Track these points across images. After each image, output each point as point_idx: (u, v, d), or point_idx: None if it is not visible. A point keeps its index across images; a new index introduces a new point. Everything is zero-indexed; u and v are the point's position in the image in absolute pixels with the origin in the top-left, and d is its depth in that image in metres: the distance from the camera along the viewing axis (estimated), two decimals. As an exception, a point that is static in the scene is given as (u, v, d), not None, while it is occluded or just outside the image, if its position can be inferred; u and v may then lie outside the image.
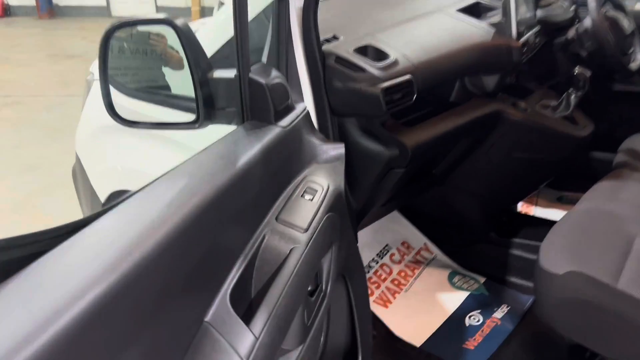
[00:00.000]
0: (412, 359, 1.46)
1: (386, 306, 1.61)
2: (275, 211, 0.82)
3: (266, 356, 0.65)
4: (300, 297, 0.77)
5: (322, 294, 0.87)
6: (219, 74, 0.93)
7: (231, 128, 0.90)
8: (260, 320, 0.67)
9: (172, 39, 0.94)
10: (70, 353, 0.44)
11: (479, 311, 1.59)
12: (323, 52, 1.12)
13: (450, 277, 1.72)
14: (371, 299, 1.62)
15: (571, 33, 1.67)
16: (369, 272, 1.71)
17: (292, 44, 1.06)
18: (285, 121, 0.92)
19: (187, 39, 0.91)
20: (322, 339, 0.99)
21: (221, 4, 2.59)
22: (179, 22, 0.91)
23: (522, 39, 1.46)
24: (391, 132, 1.22)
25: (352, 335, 1.12)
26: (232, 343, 0.62)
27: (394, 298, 1.64)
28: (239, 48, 0.86)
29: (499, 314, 1.58)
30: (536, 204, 2.12)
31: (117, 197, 0.66)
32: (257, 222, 0.79)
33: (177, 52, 0.99)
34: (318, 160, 0.99)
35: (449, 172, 1.62)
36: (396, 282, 1.70)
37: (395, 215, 1.83)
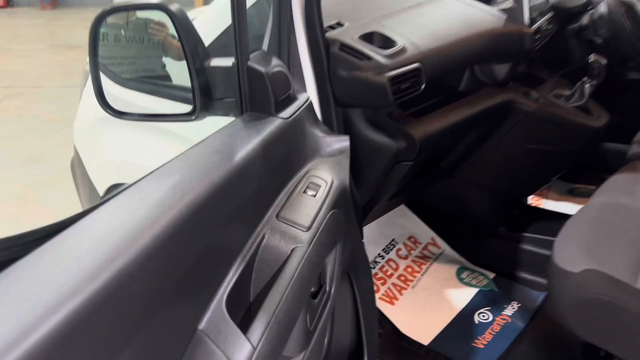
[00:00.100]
0: (420, 358, 1.42)
1: (392, 303, 1.57)
2: (276, 208, 0.78)
3: None
4: (302, 300, 0.73)
5: (326, 296, 0.83)
6: (216, 62, 0.88)
7: (230, 120, 0.86)
8: (258, 327, 0.62)
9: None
10: None
11: (488, 308, 1.54)
12: (327, 39, 1.07)
13: (459, 273, 1.67)
14: (377, 295, 1.57)
15: (585, 19, 1.61)
16: (374, 267, 1.66)
17: (294, 31, 1.01)
18: (287, 112, 0.87)
19: (182, 25, 0.86)
20: (326, 340, 0.94)
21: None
22: (174, 7, 0.86)
23: (535, 26, 1.42)
24: (398, 124, 1.18)
25: (357, 335, 1.07)
26: (228, 353, 0.57)
27: (401, 295, 1.60)
28: (237, 34, 0.81)
29: (509, 311, 1.53)
30: (546, 197, 2.06)
31: (115, 191, 0.62)
32: (256, 220, 0.74)
33: (180, 41, 0.93)
34: (321, 153, 0.94)
35: (458, 165, 1.57)
36: (403, 278, 1.65)
37: (401, 208, 1.78)
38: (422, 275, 1.67)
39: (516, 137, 1.50)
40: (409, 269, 1.68)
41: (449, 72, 1.28)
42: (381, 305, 1.55)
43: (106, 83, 1.13)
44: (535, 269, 1.63)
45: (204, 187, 0.63)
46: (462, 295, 1.59)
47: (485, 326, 1.49)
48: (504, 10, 1.38)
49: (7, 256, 0.47)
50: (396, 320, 1.50)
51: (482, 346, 1.42)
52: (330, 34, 1.11)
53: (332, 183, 0.88)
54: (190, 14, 1.29)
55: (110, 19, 1.18)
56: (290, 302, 0.68)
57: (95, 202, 0.60)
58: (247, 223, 0.72)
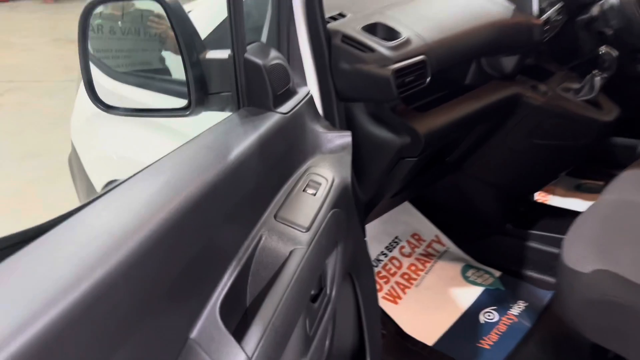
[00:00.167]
0: (424, 358, 1.38)
1: (396, 302, 1.53)
2: (274, 208, 0.74)
3: None
4: (301, 305, 0.69)
5: (326, 299, 0.79)
6: (212, 55, 0.84)
7: (227, 115, 0.82)
8: (254, 336, 0.58)
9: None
10: None
11: (494, 307, 1.51)
12: (328, 30, 1.03)
13: (464, 271, 1.64)
14: (380, 294, 1.54)
15: (595, 10, 1.57)
16: (377, 266, 1.62)
17: (294, 22, 0.97)
18: (286, 107, 0.83)
19: (176, 15, 0.82)
20: (327, 343, 0.91)
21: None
22: (168, -3, 0.82)
23: (544, 16, 1.37)
24: (402, 118, 1.14)
25: (359, 336, 1.04)
26: None
27: (404, 294, 1.56)
28: (233, 25, 0.77)
29: (515, 310, 1.50)
30: (553, 193, 2.02)
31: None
32: (253, 221, 0.70)
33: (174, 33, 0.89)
34: (322, 150, 0.90)
35: (464, 160, 1.53)
36: (406, 277, 1.61)
37: (405, 205, 1.75)
38: (426, 273, 1.63)
39: (523, 131, 1.47)
40: (413, 267, 1.65)
41: (455, 65, 1.24)
42: (384, 304, 1.51)
43: (100, 77, 1.10)
44: (542, 267, 1.60)
45: (197, 187, 0.59)
46: (467, 294, 1.55)
47: (491, 326, 1.45)
48: (512, 1, 1.33)
49: None
50: (399, 320, 1.47)
51: (487, 347, 1.39)
52: (332, 25, 1.07)
53: (333, 181, 0.84)
54: (187, 6, 1.25)
55: (106, 11, 1.15)
56: (288, 308, 0.64)
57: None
58: (243, 224, 0.68)
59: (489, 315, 1.49)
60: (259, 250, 0.69)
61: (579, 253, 1.07)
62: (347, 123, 1.09)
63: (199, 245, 0.59)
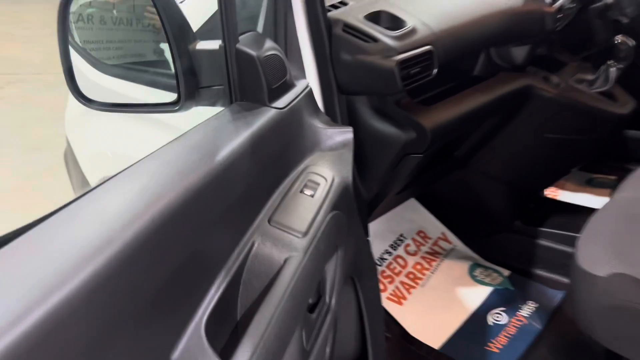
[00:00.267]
0: (430, 362, 1.33)
1: (401, 303, 1.48)
2: (268, 212, 0.69)
3: None
4: (297, 318, 0.64)
5: (325, 308, 0.74)
6: (202, 45, 0.79)
7: (219, 110, 0.76)
8: (243, 355, 0.53)
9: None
10: None
11: (503, 309, 1.45)
12: (329, 19, 0.98)
13: (471, 270, 1.58)
14: (384, 295, 1.48)
15: (610, -3, 1.49)
16: (381, 265, 1.57)
17: (292, 10, 0.91)
18: (282, 101, 0.78)
19: (164, 2, 0.76)
20: (327, 352, 0.85)
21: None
22: (154, -17, 0.76)
23: (557, 4, 1.32)
24: (407, 112, 1.08)
25: (362, 342, 0.99)
26: None
27: (409, 294, 1.51)
28: (223, 13, 0.71)
29: (525, 311, 1.44)
30: (564, 188, 1.96)
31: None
32: (244, 227, 0.65)
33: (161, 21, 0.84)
34: (321, 147, 0.85)
35: (472, 155, 1.47)
36: (412, 276, 1.56)
37: (410, 202, 1.69)
38: (432, 272, 1.58)
39: (534, 125, 1.41)
40: (418, 266, 1.59)
41: (463, 56, 1.18)
42: (388, 305, 1.46)
43: (88, 70, 1.04)
44: (553, 265, 1.54)
45: (179, 192, 0.54)
46: (475, 295, 1.50)
47: (499, 328, 1.40)
48: None
49: None
50: (404, 322, 1.41)
51: (496, 350, 1.33)
52: (333, 13, 1.02)
53: (332, 180, 0.79)
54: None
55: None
56: (282, 322, 0.59)
57: None
58: (233, 230, 0.63)
59: (497, 317, 1.43)
60: (250, 259, 0.63)
61: (595, 255, 1.01)
62: (349, 118, 1.04)
63: (181, 256, 0.53)
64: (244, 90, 0.76)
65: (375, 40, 0.97)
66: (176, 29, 0.76)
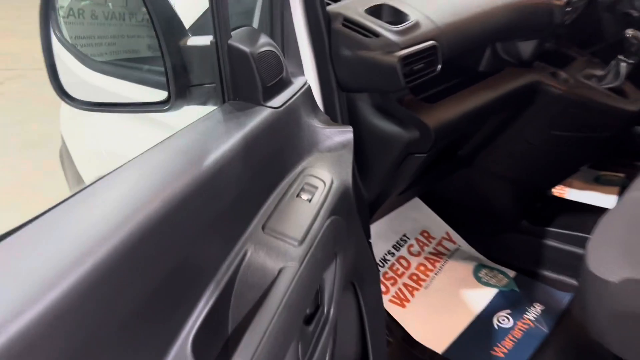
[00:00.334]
0: (433, 367, 1.29)
1: (403, 305, 1.44)
2: (262, 218, 0.65)
3: None
4: (292, 332, 0.60)
5: (323, 319, 0.70)
6: (193, 41, 0.74)
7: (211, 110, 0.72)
8: None
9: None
10: None
11: (508, 311, 1.41)
12: (328, 13, 0.95)
13: (476, 271, 1.54)
14: (386, 297, 1.45)
15: (621, -10, 1.45)
16: (384, 266, 1.53)
17: (289, 3, 0.87)
18: (278, 100, 0.74)
19: (152, -5, 0.72)
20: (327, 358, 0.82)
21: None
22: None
23: None
24: (410, 110, 1.05)
25: (363, 349, 0.95)
26: None
27: (413, 296, 1.47)
28: (214, 6, 0.67)
29: (531, 314, 1.40)
30: (570, 186, 1.91)
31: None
32: (236, 235, 0.61)
33: (148, 15, 0.79)
34: (320, 148, 0.81)
35: (477, 153, 1.43)
36: (415, 278, 1.52)
37: (413, 201, 1.65)
38: (435, 274, 1.54)
39: (542, 123, 1.37)
40: (422, 268, 1.55)
41: (468, 51, 1.13)
42: (391, 308, 1.42)
43: (77, 68, 1.00)
44: (560, 267, 1.50)
45: (163, 200, 0.50)
46: (480, 297, 1.46)
47: (505, 332, 1.36)
48: None
49: None
50: (407, 325, 1.38)
51: (502, 355, 1.30)
52: (332, 7, 0.98)
53: (331, 184, 0.75)
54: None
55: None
56: (276, 337, 0.55)
57: None
58: (223, 239, 0.59)
59: (503, 320, 1.39)
60: (242, 269, 0.60)
61: (606, 259, 0.97)
62: (350, 116, 1.00)
63: (167, 267, 0.50)
64: (237, 89, 0.72)
65: (376, 35, 0.94)
66: (165, 23, 0.72)
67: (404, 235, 1.61)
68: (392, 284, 1.49)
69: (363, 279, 0.91)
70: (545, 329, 1.36)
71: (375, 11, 0.99)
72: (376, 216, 1.32)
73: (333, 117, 0.93)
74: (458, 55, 1.05)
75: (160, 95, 0.83)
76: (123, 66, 1.08)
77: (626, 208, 1.12)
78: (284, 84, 0.78)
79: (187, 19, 1.01)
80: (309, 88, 0.85)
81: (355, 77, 0.95)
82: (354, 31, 0.94)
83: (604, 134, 1.43)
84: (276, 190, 0.69)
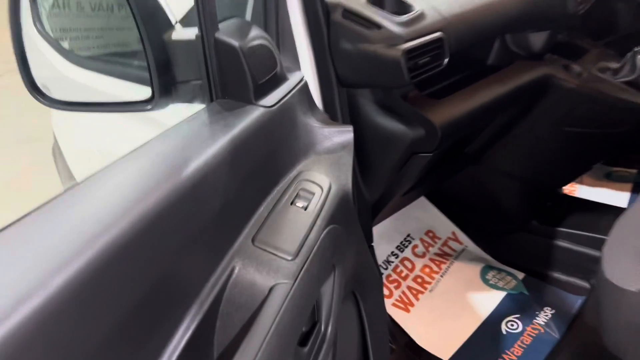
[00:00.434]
0: (439, 376, 1.24)
1: (407, 310, 1.38)
2: (252, 230, 0.59)
3: None
4: (285, 356, 0.54)
5: (320, 339, 0.64)
6: (178, 34, 0.68)
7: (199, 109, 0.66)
8: None
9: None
10: None
11: (517, 316, 1.35)
12: (327, 3, 0.89)
13: (483, 273, 1.48)
14: (390, 301, 1.39)
15: (636, -22, 1.38)
16: (387, 268, 1.47)
17: None
18: (271, 98, 0.68)
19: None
20: None
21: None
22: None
23: None
24: (415, 107, 0.99)
25: (364, 356, 0.90)
26: None
27: (417, 300, 1.41)
28: None
29: (541, 319, 1.34)
30: (581, 182, 1.85)
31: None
32: (222, 249, 0.55)
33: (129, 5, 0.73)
34: (317, 149, 0.75)
35: (485, 151, 1.37)
36: (419, 280, 1.46)
37: (418, 199, 1.59)
38: (441, 276, 1.48)
39: (553, 118, 1.31)
40: (427, 270, 1.49)
41: (476, 43, 1.07)
42: (394, 313, 1.37)
43: (59, 63, 0.95)
44: (571, 268, 1.44)
45: (138, 213, 0.44)
46: (488, 300, 1.40)
47: (514, 337, 1.30)
48: None
49: None
50: (411, 330, 1.32)
51: (511, 362, 1.24)
52: None
53: (329, 189, 0.69)
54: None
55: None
56: None
57: None
58: (208, 254, 0.53)
59: (511, 325, 1.34)
60: (229, 287, 0.54)
61: (624, 266, 0.91)
62: (351, 114, 0.94)
63: (144, 286, 0.44)
64: (226, 86, 0.66)
65: (378, 26, 0.88)
66: (146, 13, 0.66)
67: (408, 235, 1.56)
68: (396, 287, 1.43)
69: (364, 287, 0.86)
70: (556, 335, 1.30)
71: (377, 1, 0.93)
72: (379, 218, 1.27)
73: (332, 115, 0.88)
74: (466, 48, 1.00)
75: (141, 92, 0.78)
76: (111, 61, 1.02)
77: None
78: (278, 80, 0.72)
79: (179, 11, 0.95)
80: (306, 84, 0.79)
81: (356, 72, 0.90)
82: (355, 23, 0.88)
83: (619, 129, 1.36)
84: (268, 198, 0.64)
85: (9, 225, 0.42)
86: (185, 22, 0.76)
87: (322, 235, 0.63)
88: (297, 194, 0.66)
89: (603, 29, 1.49)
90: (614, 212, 1.41)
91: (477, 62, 1.22)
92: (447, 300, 1.41)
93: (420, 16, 0.91)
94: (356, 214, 0.78)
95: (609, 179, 1.88)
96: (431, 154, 1.02)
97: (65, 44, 1.00)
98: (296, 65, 0.82)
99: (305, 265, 0.59)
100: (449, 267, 1.50)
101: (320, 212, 0.65)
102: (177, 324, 0.49)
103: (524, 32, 1.21)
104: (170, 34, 0.68)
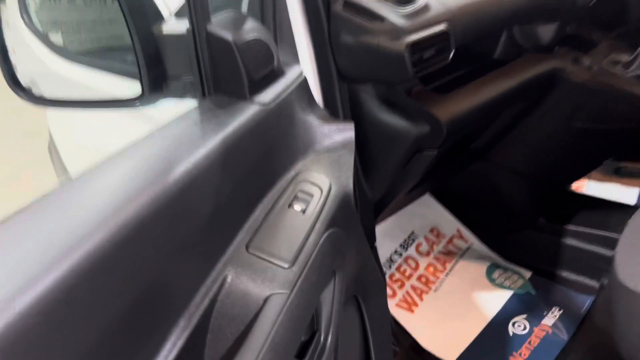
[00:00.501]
0: (444, 378, 1.21)
1: (411, 310, 1.35)
2: (246, 236, 0.56)
3: None
4: None
5: (319, 350, 0.61)
6: (169, 28, 0.65)
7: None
8: None
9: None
10: None
11: (524, 316, 1.32)
12: None
13: (489, 272, 1.45)
14: (393, 302, 1.36)
15: (649, -34, 1.33)
16: (390, 267, 1.44)
17: None
18: (267, 95, 0.65)
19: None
20: None
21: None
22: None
23: None
24: (419, 103, 0.96)
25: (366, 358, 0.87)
26: None
27: (421, 300, 1.38)
28: None
29: (549, 319, 1.31)
30: (590, 178, 1.81)
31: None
32: (213, 257, 0.52)
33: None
34: (316, 148, 0.72)
35: (491, 146, 1.33)
36: (424, 280, 1.43)
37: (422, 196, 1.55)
38: (446, 275, 1.45)
39: (562, 113, 1.28)
40: (431, 268, 1.46)
41: (483, 36, 1.04)
42: (398, 313, 1.34)
43: (48, 57, 0.91)
44: (580, 267, 1.41)
45: (121, 221, 0.41)
46: (494, 300, 1.37)
47: (521, 339, 1.27)
48: None
49: None
50: (415, 332, 1.29)
51: (518, 365, 1.21)
52: None
53: (329, 190, 0.65)
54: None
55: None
56: None
57: None
58: (197, 262, 0.50)
59: (518, 326, 1.30)
60: (221, 298, 0.51)
61: (637, 269, 0.88)
62: (352, 110, 0.91)
63: (126, 300, 0.41)
64: (219, 83, 0.62)
65: (381, 18, 0.84)
66: (135, 6, 0.62)
67: (412, 233, 1.52)
68: (399, 287, 1.40)
69: (367, 291, 0.82)
70: (564, 336, 1.27)
71: None
72: (382, 217, 1.23)
73: (333, 111, 0.84)
74: (472, 41, 0.96)
75: (131, 87, 0.74)
76: (104, 56, 0.99)
77: None
78: (274, 75, 0.68)
79: (175, 2, 0.92)
80: (305, 80, 0.76)
81: (358, 67, 0.86)
82: (357, 14, 0.84)
83: (629, 125, 1.33)
84: (264, 201, 0.60)
85: None
86: (180, 15, 0.73)
87: (322, 239, 0.60)
88: (295, 196, 0.62)
89: (614, 21, 1.45)
90: (624, 209, 1.37)
91: (483, 55, 1.18)
92: (452, 300, 1.38)
93: (425, 8, 0.87)
94: (358, 215, 0.75)
95: (618, 175, 1.84)
96: (436, 151, 0.98)
97: (56, 38, 0.97)
98: (295, 60, 0.79)
99: (303, 273, 0.55)
100: (453, 265, 1.47)
101: (320, 214, 0.62)
102: (163, 339, 0.45)
103: (532, 24, 1.17)
104: (160, 27, 0.65)
